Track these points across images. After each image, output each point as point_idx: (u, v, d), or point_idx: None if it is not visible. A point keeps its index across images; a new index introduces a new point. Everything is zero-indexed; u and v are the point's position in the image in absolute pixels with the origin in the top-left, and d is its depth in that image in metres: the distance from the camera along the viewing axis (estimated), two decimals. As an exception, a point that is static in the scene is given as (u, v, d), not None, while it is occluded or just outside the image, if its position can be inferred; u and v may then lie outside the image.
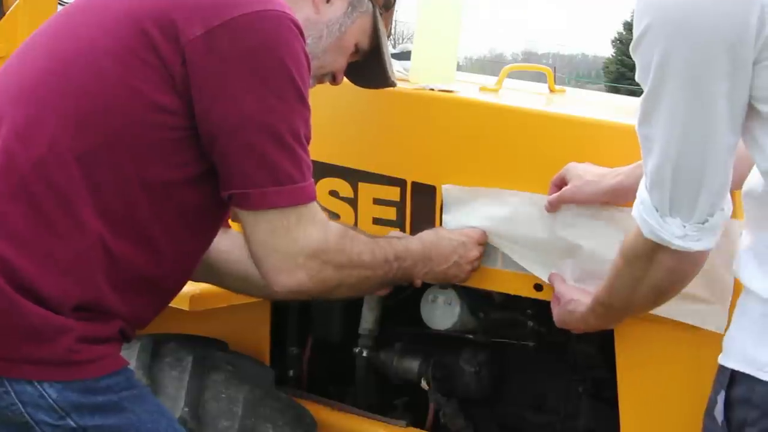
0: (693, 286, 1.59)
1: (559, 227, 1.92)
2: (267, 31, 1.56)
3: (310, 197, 1.63)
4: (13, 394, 1.51)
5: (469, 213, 2.04)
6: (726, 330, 1.50)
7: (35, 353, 1.50)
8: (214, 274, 2.00)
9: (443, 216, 2.08)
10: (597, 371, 2.13)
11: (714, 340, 1.78)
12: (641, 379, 1.90)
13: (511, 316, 2.19)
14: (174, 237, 1.64)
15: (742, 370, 1.39)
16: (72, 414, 1.53)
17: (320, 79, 1.95)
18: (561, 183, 1.91)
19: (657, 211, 1.42)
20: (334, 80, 1.97)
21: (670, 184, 1.39)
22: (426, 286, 2.20)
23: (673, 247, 1.43)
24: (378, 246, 1.84)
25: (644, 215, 1.44)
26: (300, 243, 1.63)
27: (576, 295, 1.85)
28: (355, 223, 2.18)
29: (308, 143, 1.64)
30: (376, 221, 2.15)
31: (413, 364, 2.27)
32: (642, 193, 1.44)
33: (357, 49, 1.96)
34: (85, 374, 1.53)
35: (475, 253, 2.01)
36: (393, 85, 2.04)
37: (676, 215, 1.41)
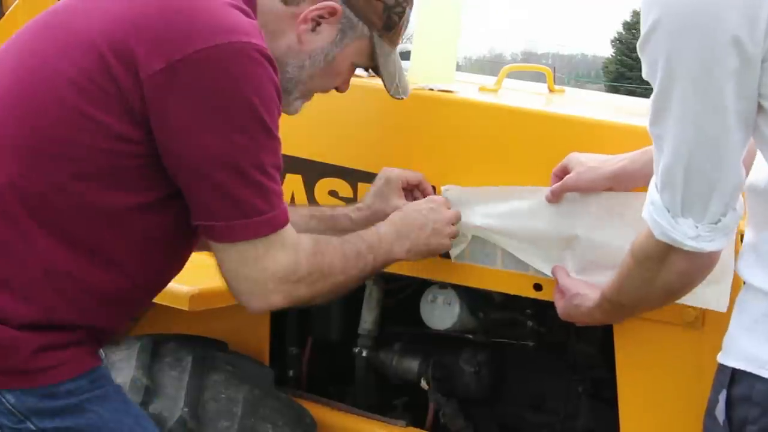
0: None
1: (559, 218, 1.91)
2: (230, 66, 1.51)
3: (279, 225, 1.61)
4: None
5: (470, 213, 2.04)
6: (728, 326, 1.50)
7: None
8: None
9: None
10: (596, 371, 2.13)
11: (714, 340, 1.78)
12: (641, 379, 1.90)
13: (510, 316, 2.19)
14: (142, 258, 1.64)
15: (742, 368, 1.38)
16: (31, 418, 1.55)
17: (320, 91, 1.91)
18: (563, 173, 1.90)
19: (668, 212, 1.40)
20: (339, 90, 1.92)
21: (681, 184, 1.37)
22: (426, 286, 2.21)
23: (685, 248, 1.41)
24: (348, 245, 1.81)
25: (655, 216, 1.42)
26: (270, 270, 1.63)
27: (582, 289, 1.83)
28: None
29: (279, 171, 1.62)
30: (376, 221, 2.15)
31: (413, 364, 2.27)
32: (653, 194, 1.43)
33: (356, 67, 1.90)
34: (43, 381, 1.55)
35: (448, 214, 1.98)
36: (397, 98, 1.96)
37: (688, 216, 1.39)
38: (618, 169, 1.80)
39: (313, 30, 1.76)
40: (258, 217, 1.58)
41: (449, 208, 2.00)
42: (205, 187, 1.56)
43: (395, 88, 1.91)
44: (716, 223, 1.39)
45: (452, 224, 1.98)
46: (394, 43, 1.88)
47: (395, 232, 1.90)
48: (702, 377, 1.79)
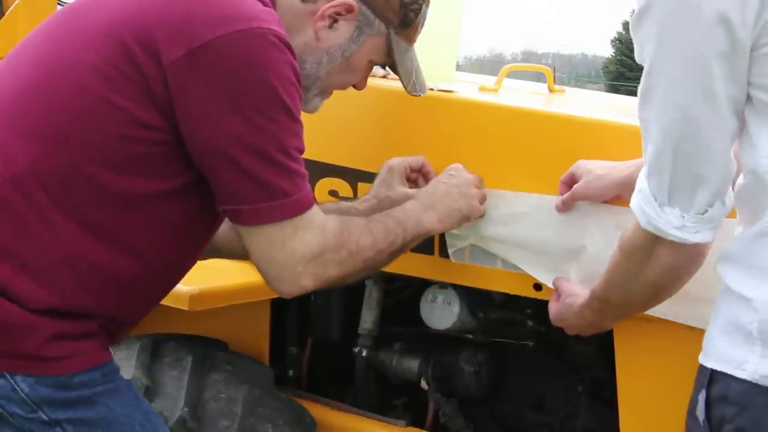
0: (696, 289, 1.56)
1: (566, 228, 1.91)
2: (250, 50, 1.54)
3: (305, 207, 1.63)
4: None
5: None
6: None
7: (7, 347, 1.53)
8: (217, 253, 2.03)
9: None
10: (596, 371, 2.13)
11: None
12: (640, 379, 1.90)
13: (510, 316, 2.19)
14: (161, 246, 1.65)
15: (720, 369, 1.37)
16: (44, 407, 1.55)
17: (338, 88, 1.92)
18: (571, 181, 1.89)
19: (655, 200, 1.39)
20: (357, 88, 1.94)
21: (669, 170, 1.36)
22: (426, 286, 2.21)
23: (669, 239, 1.40)
24: (374, 223, 1.80)
25: (642, 204, 1.41)
26: (298, 253, 1.63)
27: (575, 290, 1.83)
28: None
29: (301, 153, 1.64)
30: (376, 221, 2.15)
31: (413, 364, 2.27)
32: (641, 181, 1.41)
33: (374, 65, 1.91)
34: (57, 371, 1.56)
35: (470, 177, 1.97)
36: (414, 95, 1.95)
37: (675, 205, 1.38)
38: (626, 176, 1.78)
39: (330, 27, 1.78)
40: (284, 199, 1.59)
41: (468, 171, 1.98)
42: (230, 171, 1.57)
43: (412, 85, 1.92)
44: (703, 214, 1.38)
45: (476, 187, 1.97)
46: (411, 40, 1.88)
47: (421, 205, 1.89)
48: (702, 377, 1.79)
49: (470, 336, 2.22)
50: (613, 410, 1.97)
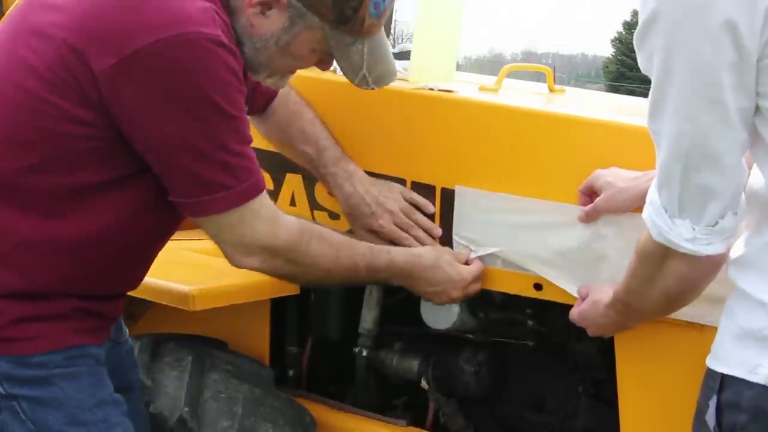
0: (716, 288, 1.53)
1: (589, 238, 1.89)
2: (177, 56, 1.57)
3: (248, 197, 1.70)
4: None
5: (487, 220, 2.02)
6: None
7: None
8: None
9: (454, 218, 2.07)
10: (596, 371, 2.13)
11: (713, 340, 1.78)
12: (641, 379, 1.90)
13: (510, 316, 2.19)
14: (125, 227, 1.70)
15: (731, 373, 1.36)
16: (2, 382, 1.63)
17: (292, 71, 1.90)
18: (590, 191, 1.88)
19: (666, 212, 1.37)
20: (319, 68, 1.90)
21: (678, 182, 1.34)
22: (426, 286, 2.21)
23: (681, 251, 1.39)
24: (348, 252, 1.91)
25: (653, 217, 1.39)
26: (247, 238, 1.75)
27: (602, 291, 1.82)
28: (355, 223, 2.18)
29: (247, 143, 1.70)
30: (376, 221, 2.15)
31: (413, 364, 2.26)
32: (652, 192, 1.40)
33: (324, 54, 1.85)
34: (17, 350, 1.63)
35: (458, 294, 2.06)
36: (365, 88, 1.88)
37: (685, 217, 1.36)
38: (648, 189, 1.77)
39: (263, 14, 1.75)
40: (224, 192, 1.66)
41: (465, 288, 2.06)
42: (170, 169, 1.65)
43: (361, 78, 1.85)
44: (713, 226, 1.36)
45: (455, 299, 2.06)
46: (358, 33, 1.78)
47: (408, 272, 2.03)
48: (702, 377, 1.79)
49: (470, 336, 2.22)
50: (613, 410, 1.97)
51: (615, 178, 1.83)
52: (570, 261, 1.93)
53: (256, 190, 1.71)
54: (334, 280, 1.96)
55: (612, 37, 44.17)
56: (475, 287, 2.07)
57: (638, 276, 1.56)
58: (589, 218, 1.88)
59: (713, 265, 1.44)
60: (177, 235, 1.90)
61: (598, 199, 1.84)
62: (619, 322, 1.81)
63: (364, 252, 1.95)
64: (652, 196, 1.40)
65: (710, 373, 1.41)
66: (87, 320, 1.72)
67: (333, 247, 1.89)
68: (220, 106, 1.62)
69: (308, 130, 2.16)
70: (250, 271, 1.85)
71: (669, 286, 1.50)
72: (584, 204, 1.89)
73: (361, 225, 2.14)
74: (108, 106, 1.59)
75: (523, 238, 1.98)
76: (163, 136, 1.61)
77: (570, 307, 1.96)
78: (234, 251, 1.78)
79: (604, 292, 1.80)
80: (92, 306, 1.73)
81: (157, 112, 1.59)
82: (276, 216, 1.78)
